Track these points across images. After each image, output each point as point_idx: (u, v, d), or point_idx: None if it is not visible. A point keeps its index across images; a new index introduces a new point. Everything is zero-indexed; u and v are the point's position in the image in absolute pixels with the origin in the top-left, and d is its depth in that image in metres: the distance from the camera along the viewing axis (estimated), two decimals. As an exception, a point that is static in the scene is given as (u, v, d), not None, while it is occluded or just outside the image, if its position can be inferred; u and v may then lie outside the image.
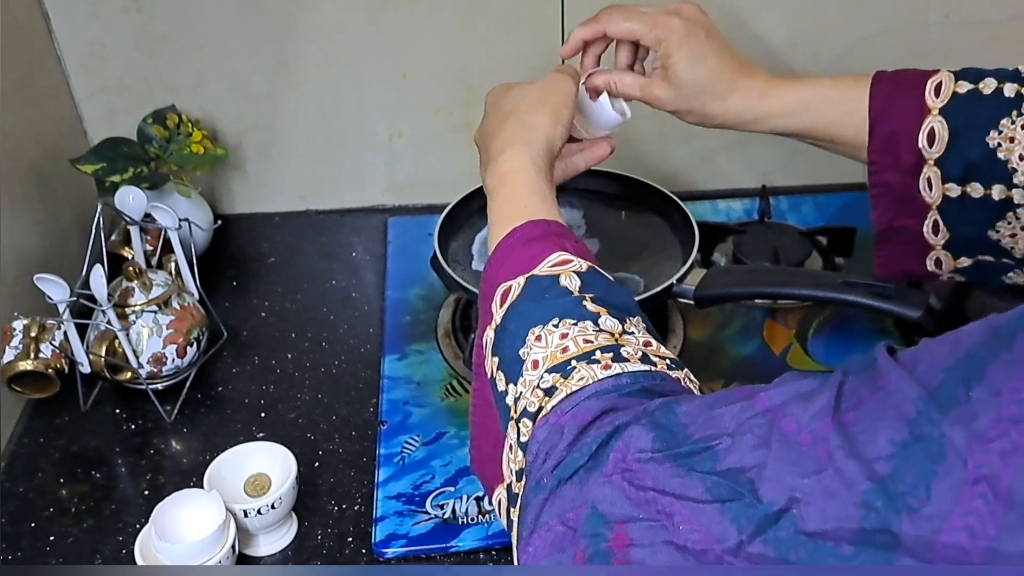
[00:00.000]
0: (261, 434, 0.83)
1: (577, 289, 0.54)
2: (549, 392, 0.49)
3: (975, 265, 0.68)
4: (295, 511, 0.75)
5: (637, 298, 0.82)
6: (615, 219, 0.94)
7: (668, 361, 0.52)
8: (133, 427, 0.85)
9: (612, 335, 0.51)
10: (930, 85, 0.66)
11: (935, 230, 0.68)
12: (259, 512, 0.70)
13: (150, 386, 0.84)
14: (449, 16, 1.01)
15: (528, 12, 1.01)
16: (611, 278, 0.57)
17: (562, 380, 0.49)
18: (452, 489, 0.77)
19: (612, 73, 0.77)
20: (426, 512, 0.75)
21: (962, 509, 0.33)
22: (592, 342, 0.50)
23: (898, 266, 0.72)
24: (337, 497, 0.78)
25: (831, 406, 0.39)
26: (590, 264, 0.56)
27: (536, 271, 0.55)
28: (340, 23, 1.01)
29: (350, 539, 0.74)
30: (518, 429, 0.50)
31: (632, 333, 0.52)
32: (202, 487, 0.72)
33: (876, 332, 0.92)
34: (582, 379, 0.49)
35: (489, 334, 0.55)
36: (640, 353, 0.51)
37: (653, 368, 0.50)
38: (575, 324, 0.52)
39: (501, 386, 0.53)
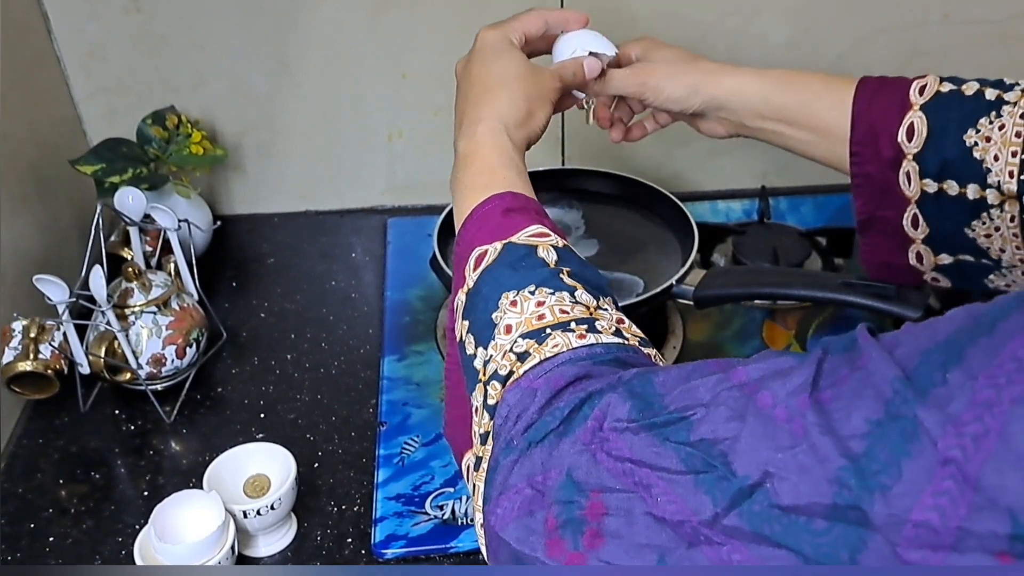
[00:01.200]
0: (260, 435, 0.83)
1: (554, 262, 0.54)
2: (522, 357, 0.49)
3: (956, 265, 0.69)
4: (294, 512, 0.75)
5: (637, 299, 0.82)
6: (615, 219, 0.95)
7: (639, 339, 0.53)
8: (132, 428, 0.85)
9: (587, 308, 0.52)
10: (916, 85, 0.67)
11: (914, 224, 0.68)
12: (258, 513, 0.70)
13: (149, 387, 0.84)
14: (449, 16, 1.01)
15: (528, 12, 1.01)
16: (585, 260, 0.57)
17: (536, 346, 0.49)
18: (452, 490, 0.77)
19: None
20: (425, 513, 0.75)
21: (933, 489, 0.33)
22: (568, 313, 0.51)
23: (881, 256, 0.72)
24: (336, 498, 0.78)
25: (808, 383, 0.39)
26: (565, 243, 0.57)
27: (514, 239, 0.55)
28: (340, 23, 1.01)
29: (349, 540, 0.74)
30: (485, 391, 0.50)
31: (606, 309, 0.53)
32: (201, 488, 0.72)
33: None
34: (556, 346, 0.49)
35: (461, 297, 0.55)
36: (614, 328, 0.52)
37: (626, 342, 0.51)
38: (552, 294, 0.52)
39: (470, 349, 0.53)
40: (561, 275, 0.53)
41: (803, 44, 1.05)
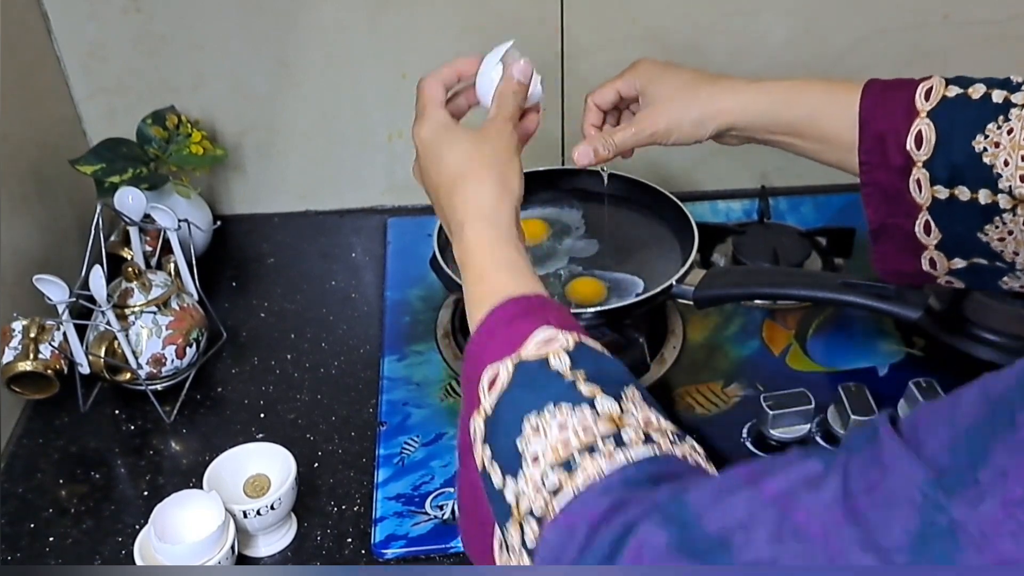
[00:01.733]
0: (260, 435, 0.83)
1: (568, 369, 0.52)
2: (555, 492, 0.48)
3: (970, 268, 0.68)
4: (294, 512, 0.75)
5: (637, 299, 0.82)
6: (615, 219, 0.94)
7: (671, 436, 0.51)
8: (132, 428, 0.85)
9: (611, 419, 0.50)
10: (921, 89, 0.66)
11: (927, 230, 0.67)
12: (258, 513, 0.70)
13: (149, 387, 0.84)
14: (449, 16, 1.01)
15: (528, 12, 1.01)
16: (600, 347, 0.55)
17: (567, 477, 0.48)
18: (451, 490, 0.77)
19: (603, 136, 0.76)
20: (425, 513, 0.75)
21: None
22: (592, 431, 0.49)
23: (894, 264, 0.72)
24: (336, 498, 0.78)
25: (840, 494, 0.38)
26: (576, 337, 0.54)
27: (523, 354, 0.53)
28: (340, 23, 1.01)
29: (349, 540, 0.74)
30: (522, 530, 0.49)
31: (631, 412, 0.51)
32: (201, 488, 0.72)
33: (875, 332, 0.92)
34: (588, 477, 0.48)
35: (478, 422, 0.54)
36: (642, 435, 0.50)
37: (657, 450, 0.49)
38: (572, 410, 0.50)
39: (497, 480, 0.52)
40: (577, 384, 0.52)
41: (803, 44, 1.06)
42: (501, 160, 0.64)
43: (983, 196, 0.64)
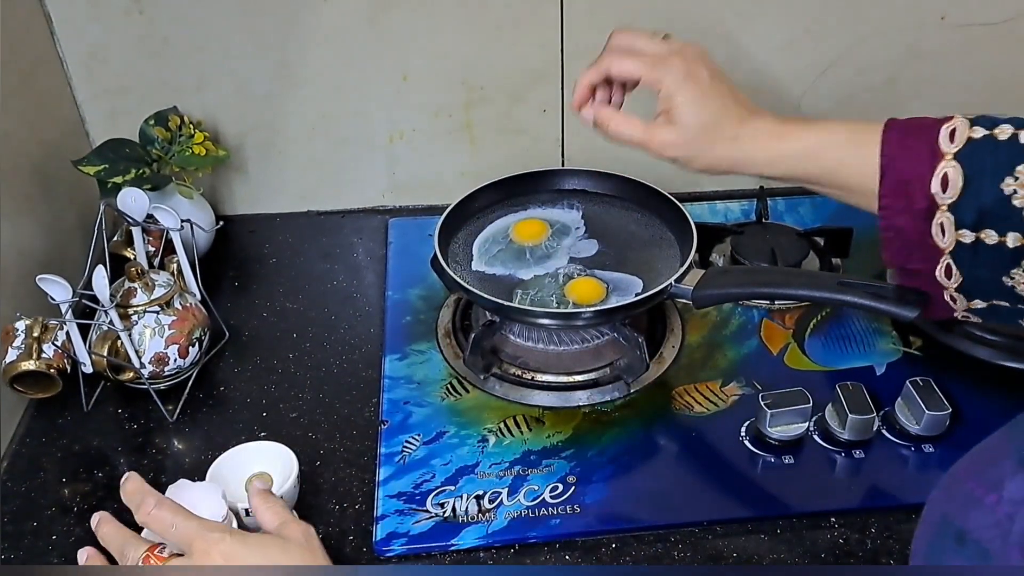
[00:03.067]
0: (263, 433, 0.84)
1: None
2: None
3: (990, 308, 0.67)
4: (296, 510, 0.76)
5: (636, 298, 0.83)
6: (615, 219, 0.95)
7: None
8: (135, 427, 0.85)
9: None
10: (944, 131, 0.64)
11: (947, 274, 0.66)
12: (261, 511, 0.71)
13: (152, 386, 0.85)
14: (449, 17, 1.01)
15: (528, 12, 1.02)
16: None
17: None
18: (452, 488, 0.77)
19: (617, 115, 0.75)
20: (427, 511, 0.76)
21: None
22: None
23: (913, 282, 0.70)
24: (338, 496, 0.78)
25: None
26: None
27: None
28: (341, 25, 1.01)
29: (351, 537, 0.75)
30: None
31: None
32: (204, 486, 0.72)
33: (873, 332, 0.92)
34: None
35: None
36: None
37: None
38: None
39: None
40: None
41: (802, 45, 1.06)
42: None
43: (1012, 239, 0.62)
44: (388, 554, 0.73)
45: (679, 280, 0.82)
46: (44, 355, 0.81)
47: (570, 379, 0.86)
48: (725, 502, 0.76)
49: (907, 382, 0.81)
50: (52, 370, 0.81)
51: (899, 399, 0.82)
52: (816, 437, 0.81)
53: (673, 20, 1.03)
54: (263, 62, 1.03)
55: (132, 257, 0.93)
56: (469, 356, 0.85)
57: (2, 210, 0.86)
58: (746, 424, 0.82)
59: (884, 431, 0.81)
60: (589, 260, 0.90)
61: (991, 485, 0.38)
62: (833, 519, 0.75)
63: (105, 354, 0.82)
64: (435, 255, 0.86)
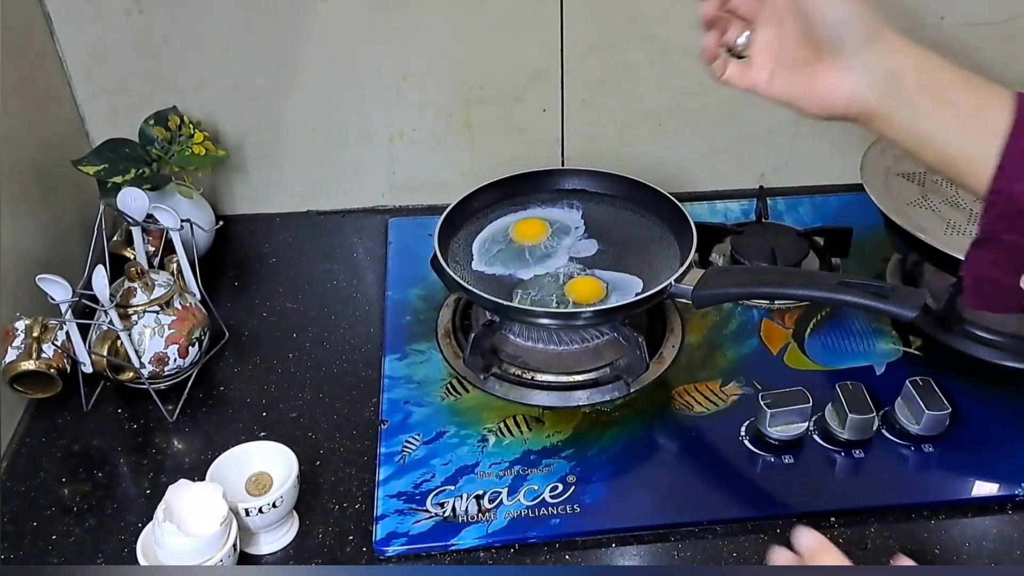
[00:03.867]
0: (263, 433, 0.84)
1: None
2: None
3: None
4: (296, 510, 0.76)
5: (636, 298, 0.83)
6: (615, 219, 0.95)
7: None
8: (135, 426, 0.85)
9: None
10: None
11: None
12: (260, 511, 0.71)
13: (152, 386, 0.85)
14: (449, 17, 1.01)
15: (528, 12, 1.02)
16: None
17: None
18: (452, 488, 0.77)
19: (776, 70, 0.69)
20: (426, 510, 0.76)
21: None
22: None
23: (986, 271, 0.65)
24: (338, 496, 0.78)
25: None
26: None
27: None
28: (341, 25, 1.01)
29: (351, 537, 0.75)
30: None
31: None
32: (204, 486, 0.72)
33: (872, 332, 0.92)
34: None
35: None
36: None
37: None
38: None
39: None
40: None
41: (801, 45, 1.06)
42: None
43: None
44: (388, 554, 0.73)
45: (679, 280, 0.82)
46: (44, 355, 0.81)
47: (570, 379, 0.86)
48: (725, 502, 0.76)
49: (907, 382, 0.81)
50: (52, 370, 0.81)
51: (899, 399, 0.82)
52: (816, 437, 0.81)
53: (672, 21, 1.03)
54: (263, 62, 1.03)
55: (132, 257, 0.93)
56: (469, 356, 0.85)
57: (2, 210, 0.86)
58: (746, 424, 0.82)
59: (884, 431, 0.81)
60: (589, 260, 0.90)
61: None
62: (833, 519, 0.75)
63: (105, 354, 0.82)
64: (435, 255, 0.87)
